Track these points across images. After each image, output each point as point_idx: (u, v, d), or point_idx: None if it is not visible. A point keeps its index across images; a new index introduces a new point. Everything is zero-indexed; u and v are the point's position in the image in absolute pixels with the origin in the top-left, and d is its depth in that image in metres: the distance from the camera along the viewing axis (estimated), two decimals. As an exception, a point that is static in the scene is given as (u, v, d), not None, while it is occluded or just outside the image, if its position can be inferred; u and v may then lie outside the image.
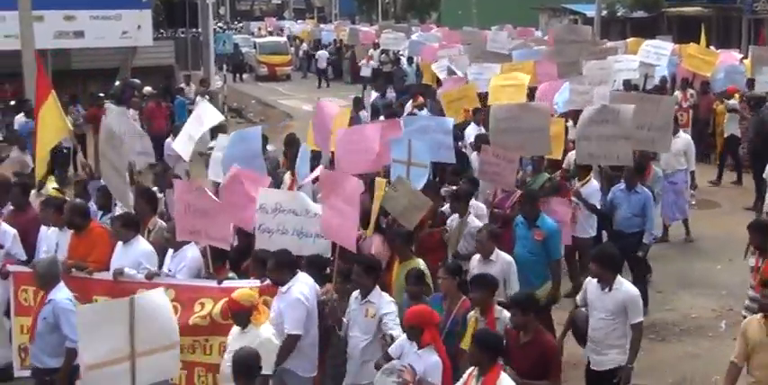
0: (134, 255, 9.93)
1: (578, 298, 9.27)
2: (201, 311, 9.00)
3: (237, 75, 47.83)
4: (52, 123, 13.45)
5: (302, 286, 8.76)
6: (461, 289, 8.93)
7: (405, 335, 8.00)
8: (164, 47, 36.48)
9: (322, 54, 47.58)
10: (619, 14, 51.03)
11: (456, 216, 11.47)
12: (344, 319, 8.88)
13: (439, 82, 24.72)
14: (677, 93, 22.06)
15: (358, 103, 22.50)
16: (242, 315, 8.17)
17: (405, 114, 21.39)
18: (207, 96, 28.23)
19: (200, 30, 40.10)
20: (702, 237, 16.22)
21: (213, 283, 9.40)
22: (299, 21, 77.08)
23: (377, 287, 8.82)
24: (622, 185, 12.72)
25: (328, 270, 9.73)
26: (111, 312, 7.15)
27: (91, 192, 12.92)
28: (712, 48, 28.42)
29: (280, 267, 8.76)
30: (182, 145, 14.14)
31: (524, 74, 19.06)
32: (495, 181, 12.72)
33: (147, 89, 28.35)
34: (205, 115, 14.32)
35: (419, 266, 9.63)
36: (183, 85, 29.92)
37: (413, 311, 7.91)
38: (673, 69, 24.25)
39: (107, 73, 32.75)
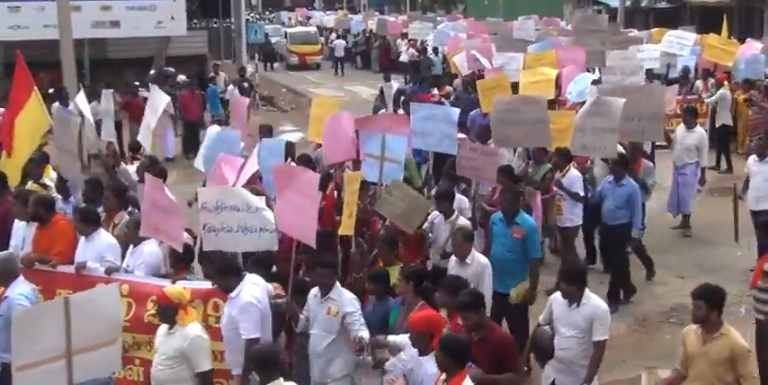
0: (97, 248, 9.60)
1: (541, 317, 8.52)
2: (152, 309, 8.62)
3: (268, 63, 47.82)
4: (34, 120, 12.99)
5: (252, 289, 8.28)
6: (421, 293, 8.42)
7: (405, 338, 7.67)
8: (197, 36, 36.52)
9: (339, 43, 47.88)
10: (642, 5, 50.71)
11: (437, 213, 11.02)
12: (302, 316, 8.60)
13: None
14: (698, 83, 21.92)
15: (382, 94, 22.52)
16: (168, 311, 7.88)
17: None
18: (244, 84, 28.38)
19: (232, 20, 40.29)
20: (722, 223, 16.04)
21: (167, 282, 8.87)
22: (328, 11, 76.95)
23: (337, 284, 8.51)
24: (611, 177, 12.52)
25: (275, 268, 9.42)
26: (47, 313, 6.98)
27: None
28: (734, 38, 28.23)
29: (222, 274, 8.30)
30: (143, 136, 13.97)
31: (550, 67, 18.90)
32: (476, 176, 12.32)
33: (181, 77, 28.46)
34: (156, 102, 14.28)
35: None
36: (214, 74, 29.93)
37: (421, 317, 7.53)
38: (695, 59, 24.03)
39: (142, 62, 32.89)
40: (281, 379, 6.99)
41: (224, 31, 42.50)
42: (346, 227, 10.33)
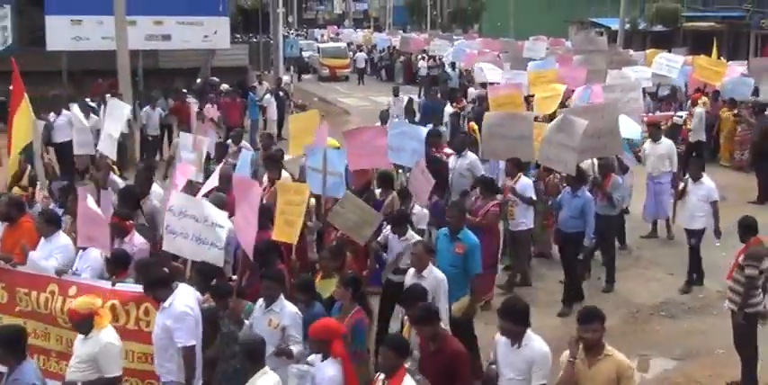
0: (51, 248, 9.36)
1: (491, 354, 7.42)
2: None
3: (301, 75, 47.93)
4: (23, 126, 12.75)
5: (185, 298, 7.79)
6: (358, 299, 8.07)
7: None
8: (239, 50, 36.69)
9: (360, 56, 49.12)
10: (640, 28, 50.55)
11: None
12: (247, 322, 8.12)
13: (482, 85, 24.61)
14: (689, 102, 21.75)
15: (410, 105, 22.49)
16: (83, 323, 7.42)
17: (446, 115, 21.46)
18: (281, 93, 28.47)
19: (271, 35, 40.37)
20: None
21: (107, 284, 8.55)
22: (357, 29, 77.06)
23: (281, 297, 8.01)
24: (569, 188, 12.16)
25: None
26: None
27: (54, 192, 12.25)
28: (723, 59, 28.09)
29: (153, 285, 7.78)
30: (106, 145, 13.38)
31: (556, 83, 18.78)
32: (415, 194, 11.60)
33: (224, 86, 28.56)
34: (116, 112, 13.63)
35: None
36: (255, 84, 30.06)
37: (320, 325, 7.17)
38: (685, 78, 23.83)
39: (190, 72, 33.00)
40: (267, 366, 6.88)
41: (263, 46, 42.69)
42: (282, 233, 9.67)
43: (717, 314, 11.92)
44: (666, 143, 15.28)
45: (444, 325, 8.12)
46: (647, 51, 29.82)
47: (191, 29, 31.08)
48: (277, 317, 7.88)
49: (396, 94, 24.85)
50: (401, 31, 63.50)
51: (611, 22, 48.30)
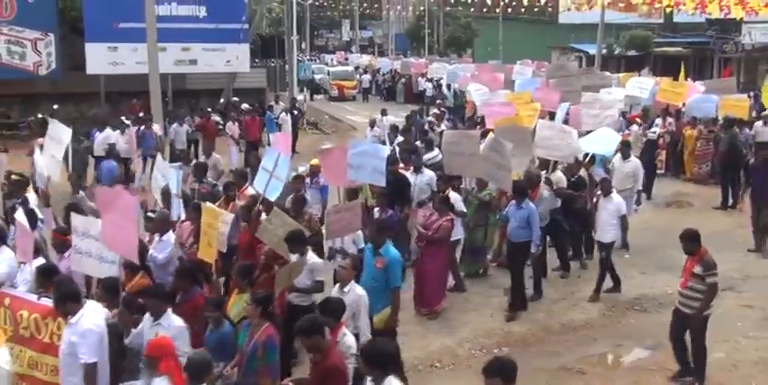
0: None
1: None
2: (23, 322, 7.57)
3: (313, 95, 48.05)
4: None
5: (92, 315, 7.19)
6: (267, 316, 7.44)
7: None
8: (257, 73, 36.75)
9: (364, 77, 49.94)
10: (615, 53, 50.52)
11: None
12: (133, 330, 7.62)
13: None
14: (658, 120, 21.64)
15: (408, 123, 22.40)
16: None
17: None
18: (295, 111, 28.56)
19: (286, 60, 40.48)
20: (677, 229, 15.91)
21: (33, 298, 7.88)
22: (363, 54, 77.14)
23: (169, 311, 7.48)
24: (514, 201, 11.82)
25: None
26: None
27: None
28: (690, 80, 28.04)
29: (62, 300, 7.18)
30: (49, 166, 12.84)
31: (527, 104, 18.35)
32: (348, 231, 10.46)
33: (245, 106, 28.62)
34: (59, 134, 12.97)
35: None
36: (272, 103, 30.14)
37: (152, 342, 6.77)
38: (650, 101, 23.16)
39: (214, 92, 33.16)
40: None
41: (279, 69, 42.76)
42: (205, 253, 9.18)
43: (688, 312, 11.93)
44: (634, 162, 15.00)
45: (364, 338, 7.96)
46: (621, 74, 29.74)
47: (215, 54, 31.18)
48: (163, 331, 7.32)
49: (384, 114, 24.60)
50: (402, 56, 63.51)
51: (590, 47, 48.23)
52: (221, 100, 32.32)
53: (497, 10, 56.31)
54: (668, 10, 45.79)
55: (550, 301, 12.24)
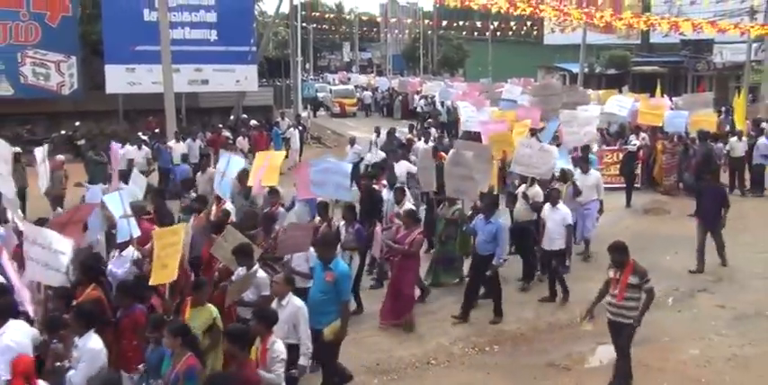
0: None
1: None
2: None
3: (316, 112, 48.14)
4: None
5: (12, 333, 6.84)
6: (188, 345, 6.86)
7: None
8: (265, 92, 36.84)
9: (366, 94, 50.36)
10: (596, 71, 50.64)
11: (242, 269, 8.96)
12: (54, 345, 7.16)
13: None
14: (632, 136, 21.56)
15: (390, 139, 22.28)
16: None
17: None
18: (300, 127, 28.62)
19: (291, 79, 40.53)
20: (657, 235, 16.06)
21: None
22: (362, 74, 77.34)
23: (90, 332, 6.96)
24: (482, 216, 11.53)
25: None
26: None
27: None
28: (666, 96, 28.06)
29: None
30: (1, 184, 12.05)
31: (510, 123, 18.29)
32: (294, 250, 9.94)
33: (253, 122, 28.69)
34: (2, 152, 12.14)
35: (211, 312, 7.91)
36: (278, 120, 30.20)
37: (16, 360, 6.38)
38: (628, 118, 22.80)
39: (224, 110, 33.15)
40: None
41: (285, 88, 42.84)
42: (160, 277, 8.25)
43: (662, 308, 11.94)
44: (595, 174, 14.79)
45: (305, 347, 7.72)
46: (601, 92, 29.77)
47: (225, 75, 31.20)
48: (77, 352, 6.93)
49: (377, 132, 24.28)
50: (399, 75, 63.72)
51: (573, 66, 48.39)
52: (231, 117, 32.34)
53: (487, 33, 56.47)
54: (645, 31, 45.92)
55: (538, 303, 12.23)
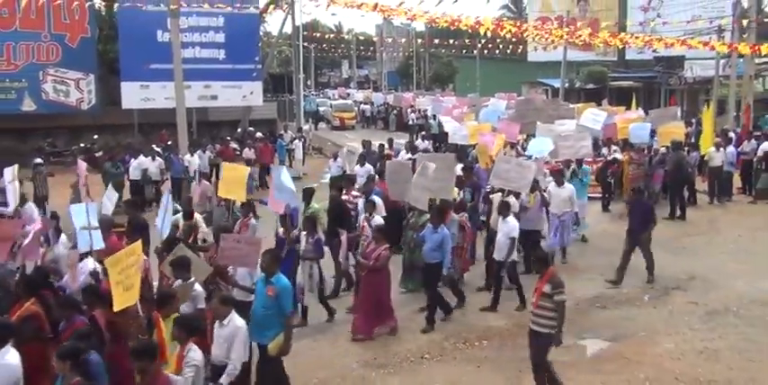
0: None
1: None
2: None
3: (317, 125, 48.13)
4: None
5: None
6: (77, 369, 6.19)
7: None
8: (270, 106, 36.93)
9: (365, 107, 50.52)
10: (576, 86, 50.68)
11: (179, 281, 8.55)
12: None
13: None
14: (604, 148, 21.24)
15: (411, 147, 22.32)
16: None
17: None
18: (302, 139, 28.66)
19: (294, 95, 40.58)
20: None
21: None
22: (359, 89, 77.41)
23: (6, 347, 6.47)
24: (431, 225, 11.18)
25: None
26: None
27: None
28: (640, 109, 28.00)
29: None
30: None
31: (491, 134, 18.55)
32: (241, 263, 9.35)
33: (259, 134, 28.72)
34: None
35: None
36: (282, 132, 30.23)
37: None
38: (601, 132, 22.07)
39: (232, 123, 33.24)
40: None
41: (288, 103, 42.84)
42: (123, 301, 7.34)
43: (639, 305, 11.97)
44: (569, 187, 14.49)
45: (231, 366, 7.27)
46: (579, 105, 29.66)
47: (232, 91, 31.32)
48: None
49: (364, 147, 23.96)
50: (394, 91, 63.74)
51: (555, 81, 48.43)
52: (238, 129, 32.41)
53: (475, 50, 56.47)
54: (621, 48, 46.03)
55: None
